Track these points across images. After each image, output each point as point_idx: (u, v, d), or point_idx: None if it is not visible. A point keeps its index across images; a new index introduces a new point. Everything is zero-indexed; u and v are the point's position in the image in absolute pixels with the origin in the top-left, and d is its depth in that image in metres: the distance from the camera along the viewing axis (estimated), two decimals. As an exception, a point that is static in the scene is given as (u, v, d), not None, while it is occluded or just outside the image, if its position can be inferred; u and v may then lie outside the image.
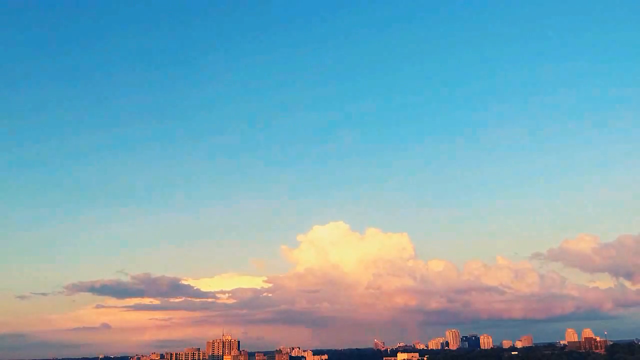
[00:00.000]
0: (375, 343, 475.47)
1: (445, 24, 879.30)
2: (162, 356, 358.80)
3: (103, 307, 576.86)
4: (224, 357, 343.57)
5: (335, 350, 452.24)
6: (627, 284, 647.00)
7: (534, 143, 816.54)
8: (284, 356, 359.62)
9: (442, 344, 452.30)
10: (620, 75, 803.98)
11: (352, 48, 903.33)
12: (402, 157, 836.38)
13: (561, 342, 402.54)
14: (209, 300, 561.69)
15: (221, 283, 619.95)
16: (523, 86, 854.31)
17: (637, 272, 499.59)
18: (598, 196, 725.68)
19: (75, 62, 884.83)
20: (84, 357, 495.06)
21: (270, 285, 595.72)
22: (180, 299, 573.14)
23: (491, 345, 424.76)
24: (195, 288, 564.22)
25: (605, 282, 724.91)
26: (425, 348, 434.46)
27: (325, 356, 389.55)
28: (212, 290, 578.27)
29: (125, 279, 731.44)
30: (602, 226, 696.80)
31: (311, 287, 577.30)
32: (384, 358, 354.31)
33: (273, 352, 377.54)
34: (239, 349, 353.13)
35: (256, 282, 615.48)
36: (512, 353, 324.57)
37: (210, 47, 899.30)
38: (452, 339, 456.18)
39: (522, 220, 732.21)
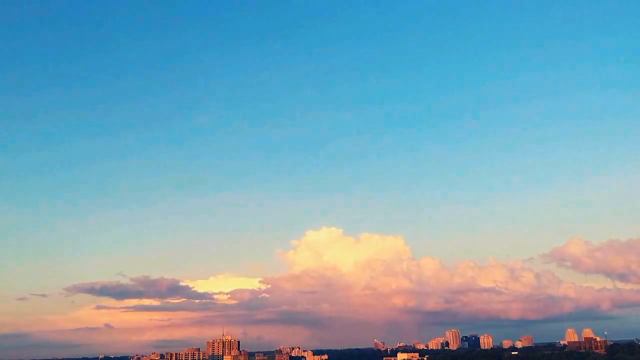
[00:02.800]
0: (375, 343, 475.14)
1: (444, 27, 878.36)
2: (162, 356, 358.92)
3: (103, 307, 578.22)
4: (224, 357, 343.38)
5: (335, 350, 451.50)
6: (620, 284, 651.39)
7: (526, 147, 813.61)
8: (284, 356, 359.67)
9: (442, 344, 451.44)
10: (616, 79, 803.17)
11: (347, 53, 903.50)
12: (396, 159, 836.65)
13: (561, 342, 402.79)
14: (208, 301, 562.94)
15: (217, 284, 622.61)
16: (517, 91, 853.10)
17: (629, 274, 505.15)
18: (589, 200, 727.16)
19: (77, 65, 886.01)
20: (84, 357, 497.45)
21: (267, 286, 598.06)
22: (179, 300, 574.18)
23: (491, 345, 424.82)
24: (194, 289, 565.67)
25: (599, 284, 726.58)
26: (425, 348, 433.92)
27: (325, 356, 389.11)
28: (211, 291, 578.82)
29: (124, 280, 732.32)
30: (593, 230, 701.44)
31: (308, 288, 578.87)
32: (384, 358, 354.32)
33: (273, 352, 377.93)
34: (239, 349, 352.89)
35: (251, 283, 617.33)
36: (512, 353, 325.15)
37: (209, 51, 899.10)
38: (452, 339, 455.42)
39: (515, 223, 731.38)
